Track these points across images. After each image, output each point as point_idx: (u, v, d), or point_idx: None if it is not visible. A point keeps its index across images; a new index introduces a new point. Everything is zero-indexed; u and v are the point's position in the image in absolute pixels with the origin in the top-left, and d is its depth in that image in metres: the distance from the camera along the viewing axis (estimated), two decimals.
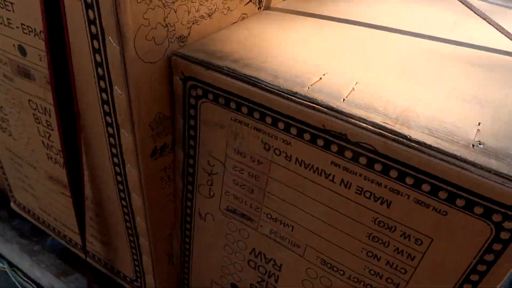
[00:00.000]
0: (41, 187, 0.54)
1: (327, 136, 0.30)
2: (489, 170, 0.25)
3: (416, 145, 0.26)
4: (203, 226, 0.45)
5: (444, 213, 0.27)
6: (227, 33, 0.40)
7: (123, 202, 0.42)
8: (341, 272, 0.36)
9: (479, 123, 0.29)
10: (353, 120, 0.28)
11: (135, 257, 0.49)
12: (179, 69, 0.35)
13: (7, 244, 0.68)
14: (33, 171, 0.53)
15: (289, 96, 0.30)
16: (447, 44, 0.42)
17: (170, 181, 0.43)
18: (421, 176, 0.27)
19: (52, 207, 0.56)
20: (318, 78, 0.32)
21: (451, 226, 0.27)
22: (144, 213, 0.41)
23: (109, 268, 0.56)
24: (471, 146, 0.26)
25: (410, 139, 0.26)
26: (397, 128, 0.27)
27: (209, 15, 0.38)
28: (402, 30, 0.44)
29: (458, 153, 0.25)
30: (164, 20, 0.32)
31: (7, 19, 0.36)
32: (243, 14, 0.43)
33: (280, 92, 0.30)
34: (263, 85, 0.31)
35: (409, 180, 0.28)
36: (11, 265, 0.69)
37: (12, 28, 0.36)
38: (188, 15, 0.35)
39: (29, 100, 0.42)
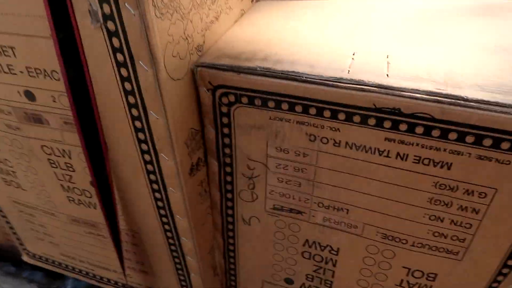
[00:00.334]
0: (62, 232, 0.51)
1: (378, 114, 0.30)
2: None
3: (474, 104, 0.27)
4: (248, 231, 0.44)
5: (508, 162, 0.28)
6: (236, 32, 0.38)
7: (166, 227, 0.41)
8: (404, 241, 0.37)
9: None
10: (406, 93, 0.28)
11: (181, 277, 0.48)
12: (206, 80, 0.33)
13: None
14: (50, 218, 0.50)
15: (335, 83, 0.29)
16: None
17: (206, 194, 0.42)
18: (481, 132, 0.28)
19: (76, 249, 0.53)
20: (351, 60, 0.32)
21: None
22: (190, 233, 0.40)
23: None
24: None
25: (467, 99, 0.27)
26: (451, 91, 0.28)
27: (217, 18, 0.36)
28: None
29: None
30: (184, 33, 0.31)
31: (7, 65, 0.33)
32: (241, 9, 0.42)
33: (324, 81, 0.30)
34: (304, 78, 0.30)
35: (470, 139, 0.28)
36: None
37: (14, 74, 0.33)
38: (201, 22, 0.33)
39: (43, 146, 0.39)
